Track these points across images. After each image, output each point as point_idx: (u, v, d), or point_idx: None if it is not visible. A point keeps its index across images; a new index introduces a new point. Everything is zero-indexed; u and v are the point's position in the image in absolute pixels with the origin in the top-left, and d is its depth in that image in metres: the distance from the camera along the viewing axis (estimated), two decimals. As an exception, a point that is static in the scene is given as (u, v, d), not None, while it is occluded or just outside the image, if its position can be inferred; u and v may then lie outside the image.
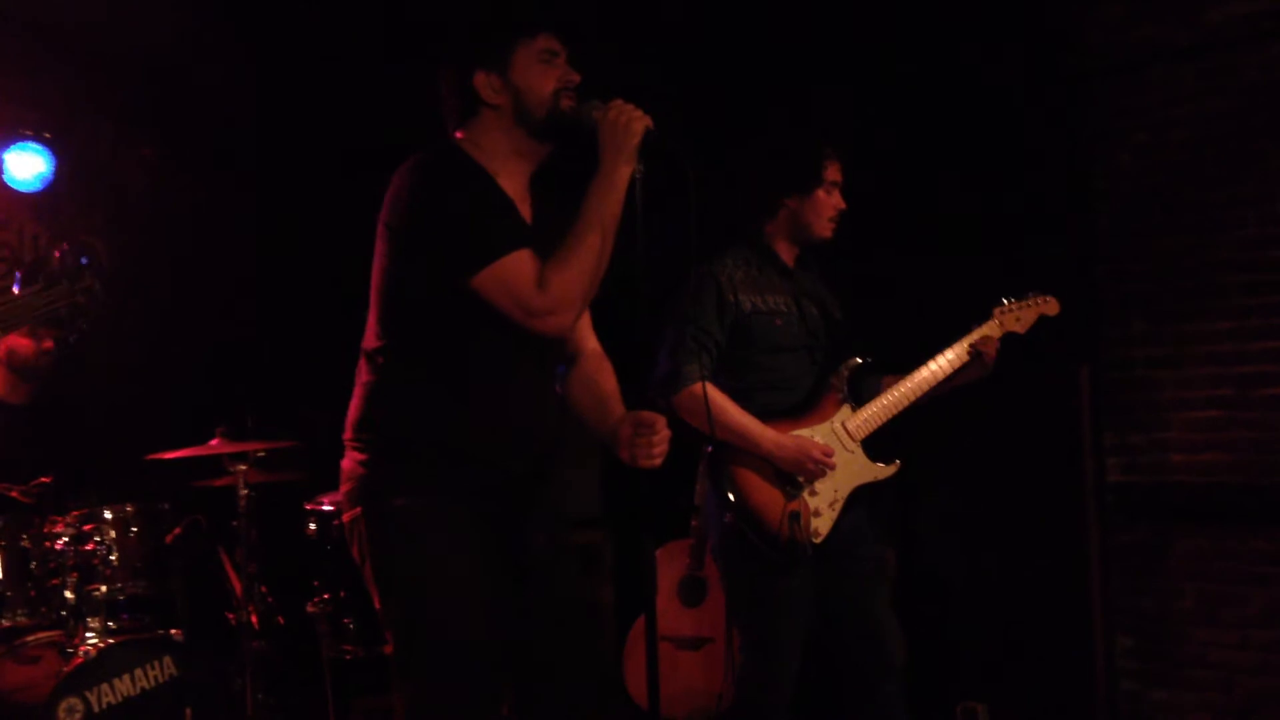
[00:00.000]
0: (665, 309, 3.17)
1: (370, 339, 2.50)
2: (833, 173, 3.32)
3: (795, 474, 3.19)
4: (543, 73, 2.49)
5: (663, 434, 2.42)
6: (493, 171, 2.50)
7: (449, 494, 2.42)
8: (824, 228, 3.33)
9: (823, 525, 3.20)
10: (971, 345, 3.30)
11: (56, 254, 2.06)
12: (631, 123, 2.39)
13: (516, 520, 2.48)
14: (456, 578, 2.40)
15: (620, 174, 2.39)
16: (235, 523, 4.02)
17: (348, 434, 2.49)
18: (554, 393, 2.59)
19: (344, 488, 2.49)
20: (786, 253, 3.37)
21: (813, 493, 3.20)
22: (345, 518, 2.49)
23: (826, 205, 3.31)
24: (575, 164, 2.50)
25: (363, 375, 2.50)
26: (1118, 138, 4.26)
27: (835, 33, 4.39)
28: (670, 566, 4.37)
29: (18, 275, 2.04)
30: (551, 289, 2.37)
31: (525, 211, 2.54)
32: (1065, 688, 4.27)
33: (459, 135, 2.55)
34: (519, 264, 2.37)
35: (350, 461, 2.48)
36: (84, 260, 2.08)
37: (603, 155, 2.41)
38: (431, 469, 2.42)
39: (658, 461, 2.42)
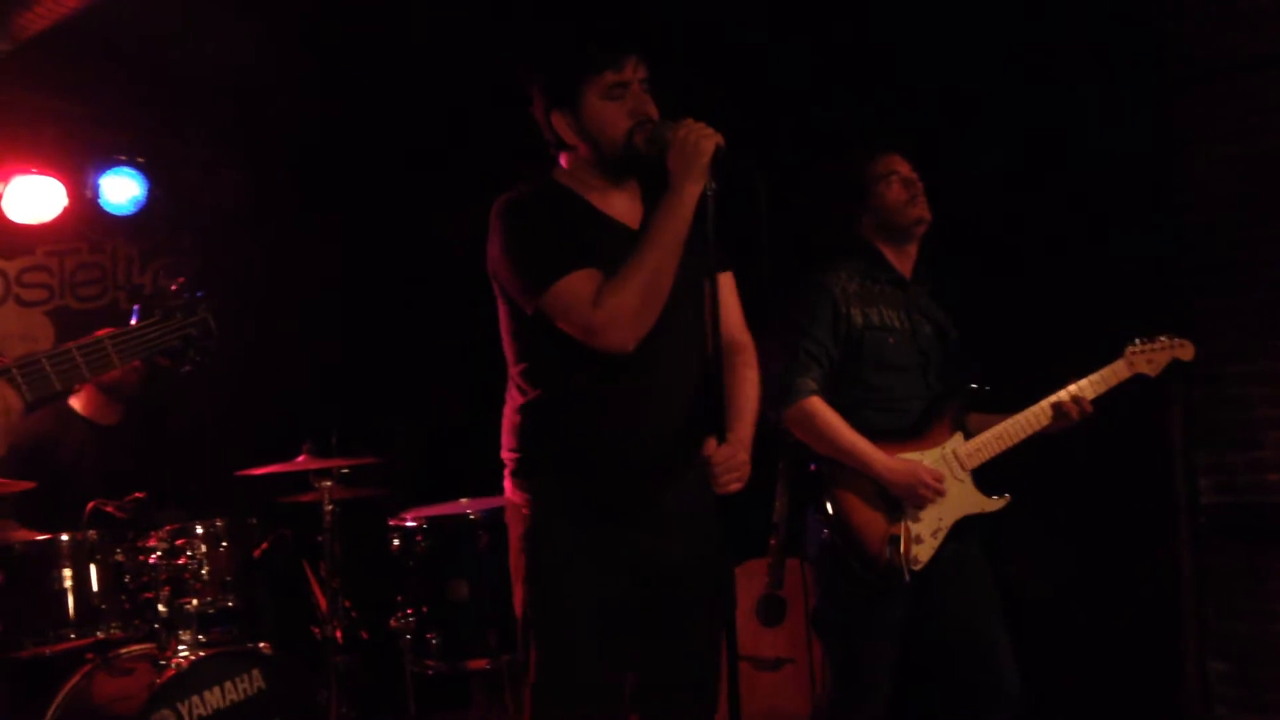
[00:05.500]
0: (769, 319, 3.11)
1: (509, 365, 2.62)
2: (883, 166, 3.25)
3: (903, 498, 3.10)
4: (614, 112, 2.49)
5: (722, 464, 2.43)
6: (591, 194, 2.56)
7: (581, 504, 2.51)
8: (906, 215, 3.23)
9: (923, 553, 3.10)
10: (1093, 385, 3.23)
11: (174, 287, 2.12)
12: (701, 141, 2.39)
13: (651, 529, 2.53)
14: (574, 583, 2.50)
15: (688, 192, 2.40)
16: (320, 538, 4.09)
17: (502, 449, 2.63)
18: (688, 400, 2.56)
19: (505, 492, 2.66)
20: (896, 257, 3.29)
21: (916, 519, 3.10)
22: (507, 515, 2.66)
23: (890, 196, 3.23)
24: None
25: (507, 397, 2.63)
26: (1205, 149, 4.16)
27: (915, 42, 4.35)
28: (749, 586, 4.33)
29: (135, 308, 2.11)
30: (605, 306, 2.40)
31: (637, 221, 2.56)
32: (1157, 714, 4.16)
33: (563, 163, 2.61)
34: (572, 285, 2.42)
35: (506, 471, 2.62)
36: (200, 294, 2.14)
37: (672, 173, 2.42)
38: (561, 481, 2.53)
39: (733, 489, 2.45)
